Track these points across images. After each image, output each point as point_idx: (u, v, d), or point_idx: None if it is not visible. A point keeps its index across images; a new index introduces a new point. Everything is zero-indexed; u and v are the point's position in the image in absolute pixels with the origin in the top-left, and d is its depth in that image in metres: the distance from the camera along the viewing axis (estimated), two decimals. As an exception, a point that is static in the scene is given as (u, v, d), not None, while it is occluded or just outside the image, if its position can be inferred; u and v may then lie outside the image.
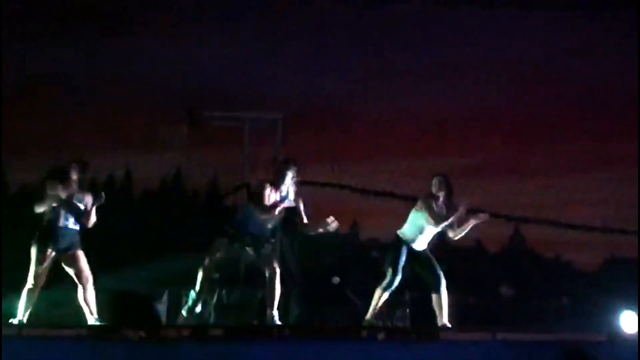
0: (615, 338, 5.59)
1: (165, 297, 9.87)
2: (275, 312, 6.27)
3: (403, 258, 6.81)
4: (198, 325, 5.99)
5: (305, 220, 6.48)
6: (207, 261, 6.37)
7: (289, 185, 6.37)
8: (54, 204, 6.51)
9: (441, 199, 6.79)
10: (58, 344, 5.43)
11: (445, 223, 6.63)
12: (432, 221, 6.66)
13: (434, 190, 6.80)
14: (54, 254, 6.53)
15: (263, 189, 6.34)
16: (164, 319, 9.59)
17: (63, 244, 6.56)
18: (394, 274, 6.79)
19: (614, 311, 8.41)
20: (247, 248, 6.39)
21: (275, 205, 6.26)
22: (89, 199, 6.66)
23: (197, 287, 6.37)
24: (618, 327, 7.73)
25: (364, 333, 5.67)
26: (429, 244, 6.91)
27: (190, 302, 6.32)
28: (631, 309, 7.98)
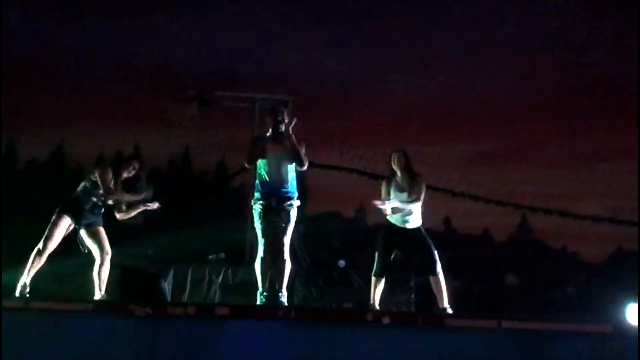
0: (621, 330, 5.55)
1: (170, 275, 9.90)
2: (284, 292, 6.20)
3: (389, 242, 6.83)
4: (204, 303, 5.99)
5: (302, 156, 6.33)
6: (261, 251, 6.23)
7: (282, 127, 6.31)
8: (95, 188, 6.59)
9: (399, 173, 6.85)
10: (65, 318, 5.44)
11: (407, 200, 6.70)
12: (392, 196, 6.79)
13: (392, 166, 6.90)
14: (73, 226, 6.59)
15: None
16: (169, 296, 9.64)
17: (86, 219, 6.62)
18: (380, 259, 6.82)
19: (620, 303, 8.40)
20: (273, 214, 6.18)
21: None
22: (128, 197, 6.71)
23: (261, 284, 6.22)
24: (624, 319, 7.72)
25: (369, 316, 5.65)
26: (420, 222, 6.86)
27: (262, 298, 6.19)
28: (636, 301, 7.96)
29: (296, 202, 6.26)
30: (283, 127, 6.32)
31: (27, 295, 6.34)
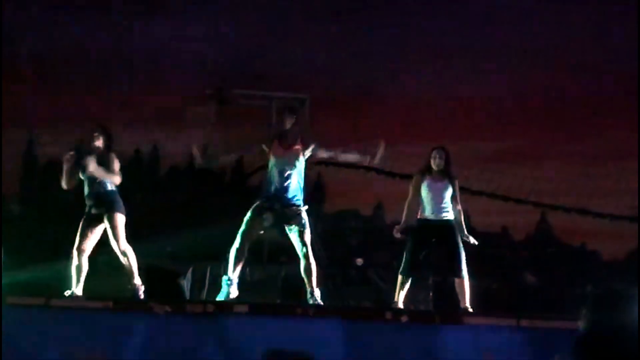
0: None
1: (189, 273, 9.95)
2: (317, 291, 6.11)
3: (421, 241, 6.74)
4: (222, 301, 6.01)
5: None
6: (238, 242, 6.20)
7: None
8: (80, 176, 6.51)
9: (436, 170, 6.77)
10: (85, 315, 5.50)
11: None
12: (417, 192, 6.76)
13: (431, 162, 6.82)
14: (93, 222, 6.51)
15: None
16: (188, 294, 9.69)
17: (99, 208, 6.51)
18: (409, 258, 6.73)
19: (638, 302, 8.31)
20: (276, 219, 6.15)
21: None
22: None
23: (230, 271, 6.16)
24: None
25: (388, 315, 5.66)
26: (455, 218, 6.79)
27: (225, 288, 6.14)
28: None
29: (303, 208, 6.21)
30: (291, 131, 6.25)
31: None
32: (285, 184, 6.18)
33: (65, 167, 6.53)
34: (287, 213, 6.16)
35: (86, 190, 6.52)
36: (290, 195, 6.18)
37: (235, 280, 6.14)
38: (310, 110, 14.03)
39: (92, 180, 6.48)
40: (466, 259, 6.71)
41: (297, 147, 6.24)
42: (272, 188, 6.19)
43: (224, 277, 6.16)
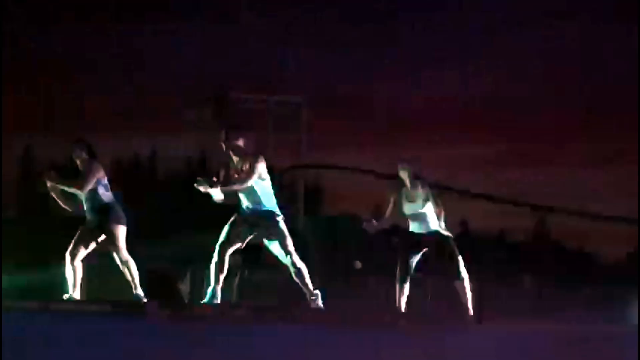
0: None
1: (188, 277, 9.94)
2: (316, 292, 6.09)
3: (412, 249, 6.76)
4: (222, 304, 6.01)
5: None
6: (216, 254, 6.16)
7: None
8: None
9: (407, 184, 6.77)
10: (83, 319, 5.49)
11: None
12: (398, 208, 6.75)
13: (402, 176, 6.81)
14: (91, 232, 6.48)
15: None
16: (186, 297, 9.68)
17: (98, 220, 6.49)
18: (403, 266, 6.74)
19: (637, 303, 8.34)
20: (253, 229, 6.17)
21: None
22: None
23: (213, 283, 6.10)
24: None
25: (386, 318, 5.66)
26: (443, 226, 6.79)
27: (209, 295, 6.09)
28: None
29: (279, 218, 6.21)
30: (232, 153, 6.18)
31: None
32: (255, 199, 6.18)
33: (52, 193, 6.54)
34: (263, 224, 6.16)
35: (85, 205, 6.51)
36: (263, 206, 6.18)
37: (219, 292, 6.10)
38: (308, 114, 14.08)
39: (86, 195, 6.46)
40: (465, 262, 6.71)
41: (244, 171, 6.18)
42: (244, 204, 6.22)
43: (209, 289, 6.12)
